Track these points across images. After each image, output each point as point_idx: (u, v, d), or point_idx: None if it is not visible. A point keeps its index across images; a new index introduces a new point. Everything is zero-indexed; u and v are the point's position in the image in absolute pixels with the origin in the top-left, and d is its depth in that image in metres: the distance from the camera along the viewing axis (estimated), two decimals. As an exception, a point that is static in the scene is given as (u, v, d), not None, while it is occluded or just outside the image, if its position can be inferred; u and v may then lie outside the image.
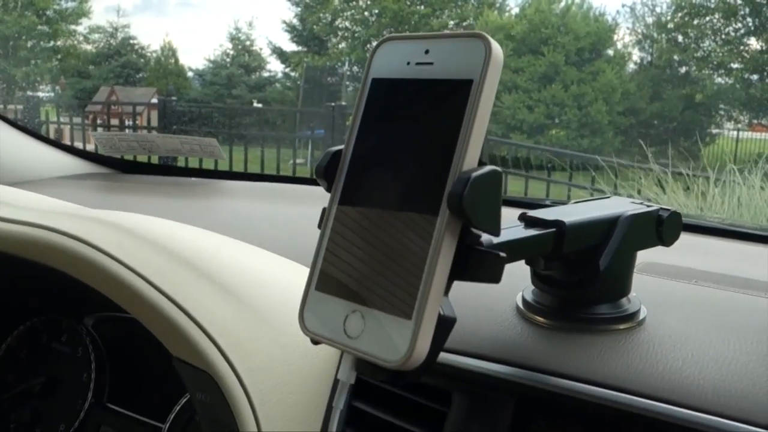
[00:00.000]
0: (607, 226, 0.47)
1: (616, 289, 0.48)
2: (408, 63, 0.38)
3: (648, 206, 0.49)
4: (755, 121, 11.13)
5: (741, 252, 0.81)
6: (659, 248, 0.58)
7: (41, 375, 0.75)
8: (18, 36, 11.50)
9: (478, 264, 0.35)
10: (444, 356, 0.49)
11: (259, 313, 0.51)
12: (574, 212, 0.47)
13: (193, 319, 0.48)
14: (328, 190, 0.40)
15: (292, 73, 13.18)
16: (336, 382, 0.54)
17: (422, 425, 0.49)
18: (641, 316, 0.49)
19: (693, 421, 0.39)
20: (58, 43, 12.35)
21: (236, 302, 0.51)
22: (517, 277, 0.58)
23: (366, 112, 0.39)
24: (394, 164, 0.37)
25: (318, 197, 1.04)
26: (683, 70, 11.41)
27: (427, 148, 0.36)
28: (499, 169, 0.35)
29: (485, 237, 0.37)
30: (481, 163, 0.35)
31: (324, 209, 0.41)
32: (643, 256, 0.51)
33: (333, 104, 5.90)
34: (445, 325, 0.35)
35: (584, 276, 0.47)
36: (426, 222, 0.34)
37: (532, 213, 0.46)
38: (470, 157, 0.34)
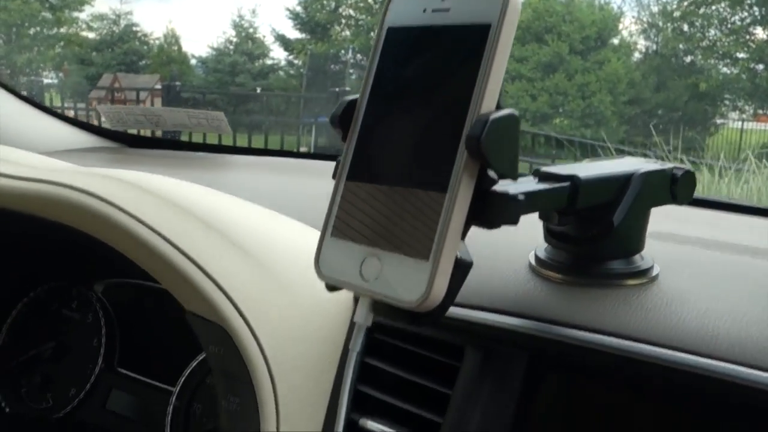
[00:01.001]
0: (622, 182, 0.47)
1: (629, 245, 0.48)
2: (424, 10, 0.37)
3: (662, 164, 0.49)
4: (760, 112, 11.08)
5: (749, 225, 0.81)
6: (668, 219, 0.58)
7: (52, 340, 0.76)
8: (21, 23, 11.48)
9: (496, 207, 0.35)
10: (456, 310, 0.49)
11: (270, 269, 0.52)
12: (588, 169, 0.47)
13: (206, 273, 0.48)
14: (344, 138, 0.40)
15: (296, 61, 13.14)
16: (348, 337, 0.55)
17: (435, 380, 0.49)
18: (654, 272, 0.49)
19: (710, 369, 0.39)
20: (61, 30, 12.32)
21: (248, 257, 0.51)
22: (529, 237, 0.58)
23: (381, 61, 0.39)
24: (411, 111, 0.37)
25: (324, 172, 1.04)
26: (689, 59, 11.36)
27: (445, 93, 0.35)
28: (516, 112, 0.35)
29: (501, 187, 0.37)
30: (498, 108, 0.35)
31: (338, 159, 0.42)
32: (652, 226, 0.51)
33: (337, 89, 5.89)
34: (462, 268, 0.35)
35: (598, 231, 0.47)
36: (444, 165, 0.34)
37: (545, 168, 0.46)
38: (488, 101, 0.34)
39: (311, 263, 0.56)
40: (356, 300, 0.56)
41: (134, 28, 13.23)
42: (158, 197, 0.51)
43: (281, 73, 13.26)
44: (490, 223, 0.35)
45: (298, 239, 0.57)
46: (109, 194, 0.50)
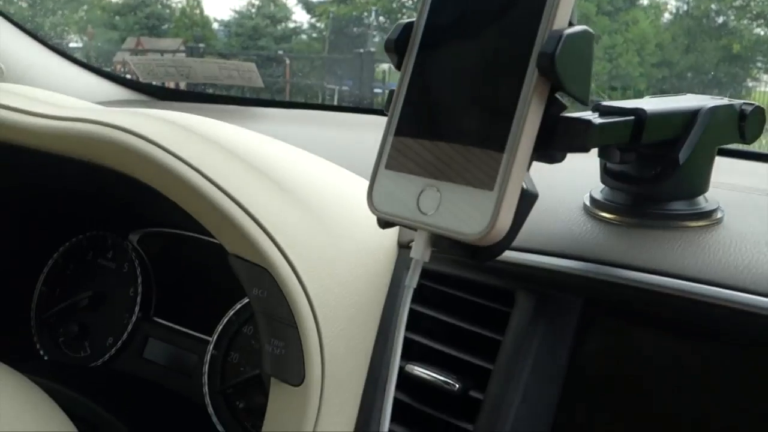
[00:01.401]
0: (688, 117, 0.44)
1: (694, 185, 0.46)
2: None
3: (729, 101, 0.47)
4: (794, 74, 10.78)
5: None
6: (728, 173, 0.55)
7: (88, 290, 0.75)
8: (45, -14, 11.49)
9: (569, 133, 0.33)
10: (508, 254, 0.47)
11: (315, 212, 0.50)
12: (651, 103, 0.44)
13: (250, 214, 0.46)
14: (398, 65, 0.38)
15: (318, 24, 13.01)
16: (393, 284, 0.53)
17: (485, 327, 0.48)
18: (719, 215, 0.46)
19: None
20: (85, -7, 12.30)
21: (294, 200, 0.49)
22: (580, 179, 0.55)
23: None
24: (475, 30, 0.34)
25: (360, 124, 1.01)
26: (720, 20, 11.05)
27: (513, 9, 0.33)
28: (590, 29, 0.32)
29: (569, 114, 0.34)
30: (570, 25, 0.32)
31: (391, 90, 0.39)
32: (713, 176, 0.48)
33: (362, 50, 5.80)
34: (527, 199, 0.33)
35: (662, 170, 0.44)
36: (511, 87, 0.32)
37: (607, 102, 0.44)
38: (561, 16, 0.32)
39: (356, 208, 0.55)
40: (400, 246, 0.54)
41: (156, -9, 13.17)
42: (202, 137, 0.50)
43: (303, 36, 13.15)
44: (560, 148, 0.33)
45: (342, 184, 0.56)
46: (152, 133, 0.48)
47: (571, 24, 0.32)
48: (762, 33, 10.77)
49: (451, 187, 0.33)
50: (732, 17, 10.90)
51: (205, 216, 0.47)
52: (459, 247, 0.34)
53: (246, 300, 0.68)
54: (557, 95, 0.33)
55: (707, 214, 0.46)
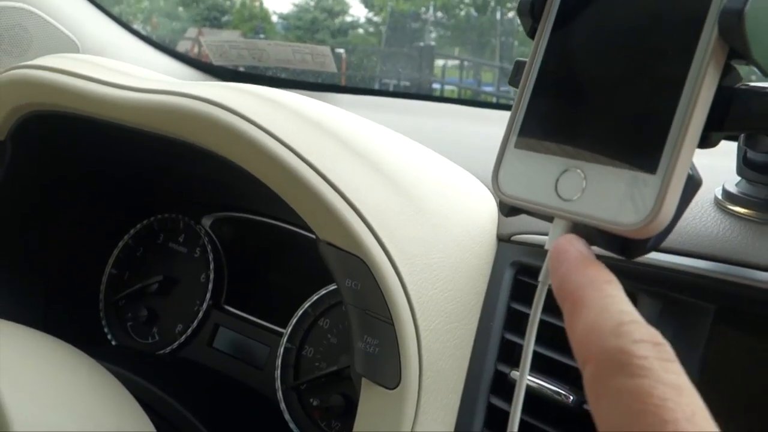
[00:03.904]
0: None
1: None
2: None
3: None
4: None
5: None
6: None
7: (158, 274, 0.73)
8: (111, -24, 11.79)
9: (751, 108, 0.28)
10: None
11: (414, 200, 0.46)
12: None
13: (346, 200, 0.43)
14: (531, 31, 0.33)
15: (375, 18, 12.99)
16: (492, 280, 0.48)
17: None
18: None
19: None
20: (148, -16, 12.56)
21: (392, 186, 0.45)
22: (708, 171, 0.50)
23: None
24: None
25: (443, 112, 0.97)
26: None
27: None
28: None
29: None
30: None
31: (517, 61, 0.35)
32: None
33: (422, 44, 5.73)
34: (693, 185, 0.28)
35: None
36: (681, 53, 0.27)
37: (753, 83, 0.38)
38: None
39: (455, 198, 0.50)
40: (500, 239, 0.49)
41: (217, -17, 13.35)
42: (295, 113, 0.46)
43: (360, 30, 13.15)
44: (741, 127, 0.28)
45: (441, 172, 0.51)
46: (244, 108, 0.45)
47: None
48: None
49: (599, 170, 0.28)
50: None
51: (297, 198, 0.43)
52: (604, 239, 0.29)
53: (323, 291, 0.64)
54: (732, 63, 0.28)
55: None
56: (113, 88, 0.51)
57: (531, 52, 0.33)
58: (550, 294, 0.42)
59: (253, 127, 0.43)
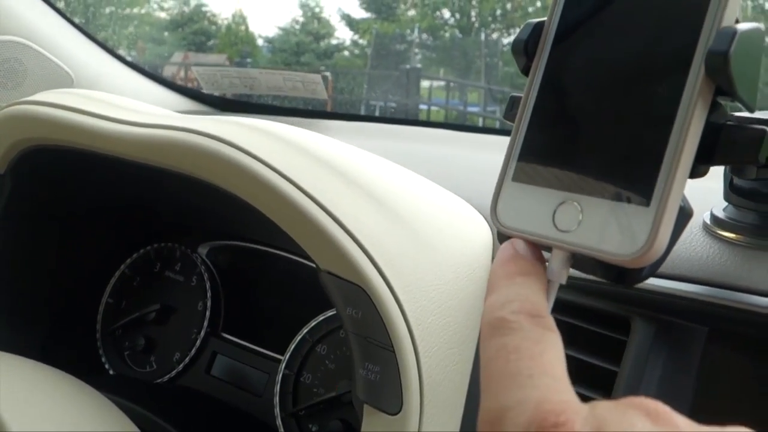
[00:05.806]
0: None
1: (837, 204, 0.41)
2: None
3: None
4: None
5: None
6: None
7: (155, 303, 0.73)
8: (98, 2, 11.82)
9: (736, 142, 0.29)
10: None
11: (411, 228, 0.47)
12: None
13: (346, 230, 0.44)
14: (525, 69, 0.34)
15: (360, 41, 13.10)
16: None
17: (598, 356, 0.44)
18: None
19: None
20: (134, 10, 12.61)
21: (389, 214, 0.46)
22: (694, 197, 0.51)
23: None
24: (622, 27, 0.31)
25: (430, 137, 0.98)
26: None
27: (670, 4, 0.30)
28: (762, 26, 0.28)
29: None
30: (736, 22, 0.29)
31: (512, 97, 0.36)
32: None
33: (408, 66, 5.79)
34: (684, 216, 0.29)
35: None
36: (670, 91, 0.28)
37: (740, 113, 0.40)
38: (730, 12, 0.28)
39: (450, 224, 0.51)
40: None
41: (203, 9, 13.43)
42: (293, 145, 0.47)
43: (346, 53, 13.25)
44: (727, 161, 0.29)
45: (435, 199, 0.52)
46: (242, 142, 0.46)
47: (737, 21, 0.29)
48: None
49: (594, 202, 0.30)
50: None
51: (299, 230, 0.44)
52: (602, 268, 0.30)
53: (320, 317, 0.65)
54: (719, 100, 0.29)
55: None
56: (118, 124, 0.52)
57: (525, 88, 0.34)
58: (555, 320, 0.44)
59: (255, 161, 0.44)
